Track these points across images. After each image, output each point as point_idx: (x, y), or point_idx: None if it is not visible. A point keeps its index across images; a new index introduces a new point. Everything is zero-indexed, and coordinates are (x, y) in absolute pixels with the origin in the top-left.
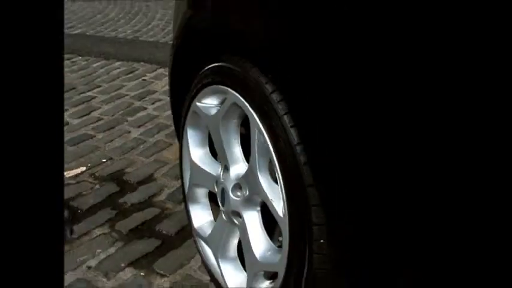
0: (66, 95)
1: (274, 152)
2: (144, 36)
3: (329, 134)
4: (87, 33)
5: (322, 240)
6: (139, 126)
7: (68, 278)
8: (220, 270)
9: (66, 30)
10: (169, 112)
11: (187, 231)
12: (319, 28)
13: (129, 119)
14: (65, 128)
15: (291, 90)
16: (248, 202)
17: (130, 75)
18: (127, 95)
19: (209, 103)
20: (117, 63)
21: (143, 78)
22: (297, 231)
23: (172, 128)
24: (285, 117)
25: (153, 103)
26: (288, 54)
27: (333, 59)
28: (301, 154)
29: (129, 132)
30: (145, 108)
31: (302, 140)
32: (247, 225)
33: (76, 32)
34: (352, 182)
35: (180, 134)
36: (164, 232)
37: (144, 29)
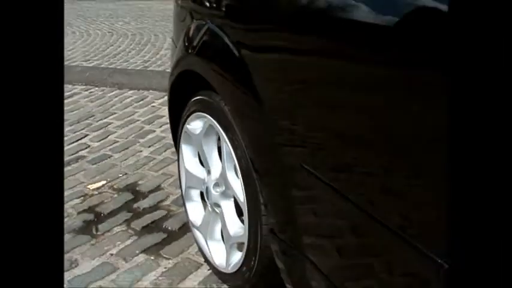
0: (86, 122)
1: (236, 158)
2: (153, 66)
3: (261, 146)
4: (102, 66)
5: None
6: (149, 146)
7: (96, 262)
8: (209, 249)
9: (84, 63)
10: None
11: (187, 227)
12: (251, 82)
13: (141, 140)
14: (87, 150)
15: (241, 118)
16: (224, 195)
17: (141, 102)
18: (138, 120)
19: (195, 125)
20: (129, 92)
21: (152, 104)
22: (252, 211)
23: None
24: (240, 134)
25: (160, 126)
26: (237, 93)
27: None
28: (250, 159)
29: (141, 151)
30: (154, 131)
31: (249, 150)
32: (224, 212)
33: (92, 64)
34: (274, 177)
35: (177, 149)
36: (169, 228)
37: (153, 59)
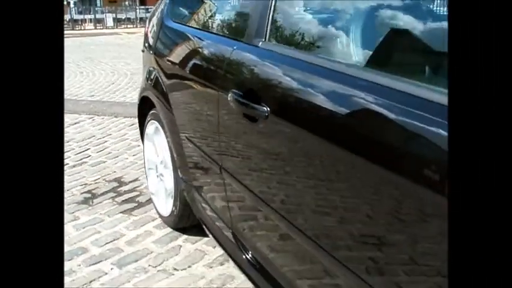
0: (88, 140)
1: (169, 147)
2: None
3: (174, 137)
4: (103, 100)
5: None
6: (133, 155)
7: (90, 217)
8: (158, 205)
9: (89, 98)
10: None
11: (151, 201)
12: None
13: (128, 152)
14: (89, 157)
15: (167, 123)
16: (165, 167)
17: (132, 126)
18: (128, 138)
19: (150, 128)
20: (124, 119)
21: None
22: (175, 171)
23: None
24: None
25: None
26: (164, 110)
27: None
28: (171, 144)
29: (127, 158)
30: (139, 145)
31: (170, 139)
32: (164, 178)
33: (96, 99)
34: (179, 151)
35: (143, 144)
36: (140, 201)
37: None
